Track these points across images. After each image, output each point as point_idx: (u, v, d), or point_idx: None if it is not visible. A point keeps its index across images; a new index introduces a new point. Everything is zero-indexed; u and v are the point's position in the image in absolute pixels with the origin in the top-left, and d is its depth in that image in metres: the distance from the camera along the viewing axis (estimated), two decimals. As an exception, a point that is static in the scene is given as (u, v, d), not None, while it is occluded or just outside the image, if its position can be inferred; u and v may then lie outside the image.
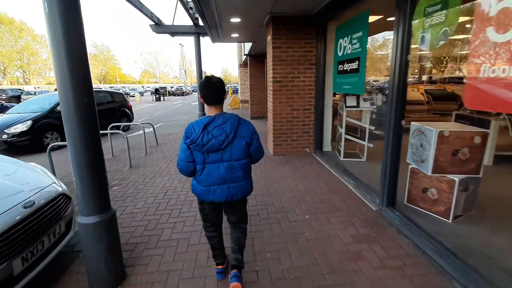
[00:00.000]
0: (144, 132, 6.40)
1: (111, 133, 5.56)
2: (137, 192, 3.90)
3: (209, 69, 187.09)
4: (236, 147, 1.78)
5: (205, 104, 1.85)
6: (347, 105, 4.43)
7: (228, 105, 17.01)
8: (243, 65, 15.42)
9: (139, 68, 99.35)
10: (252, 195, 3.59)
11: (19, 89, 29.43)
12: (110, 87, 54.27)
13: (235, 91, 40.76)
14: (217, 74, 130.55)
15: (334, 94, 5.33)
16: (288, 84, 5.23)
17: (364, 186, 3.57)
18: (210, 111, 1.84)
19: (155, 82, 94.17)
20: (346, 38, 3.91)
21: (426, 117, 6.66)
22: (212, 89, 1.78)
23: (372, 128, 4.55)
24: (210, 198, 1.81)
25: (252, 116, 11.90)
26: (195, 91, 55.45)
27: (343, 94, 4.62)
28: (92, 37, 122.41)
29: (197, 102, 26.40)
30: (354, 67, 3.67)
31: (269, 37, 5.32)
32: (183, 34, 8.70)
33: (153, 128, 7.27)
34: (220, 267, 2.10)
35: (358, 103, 4.38)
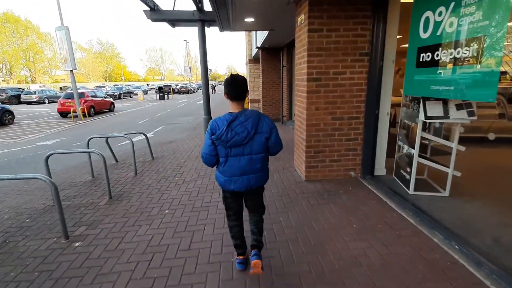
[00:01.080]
0: (133, 146, 4.94)
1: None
2: (106, 259, 2.45)
3: (214, 66, 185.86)
4: (256, 142, 1.91)
5: (228, 100, 1.95)
6: (428, 114, 2.90)
7: (236, 105, 15.53)
8: (252, 61, 13.88)
9: (145, 65, 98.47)
10: (294, 274, 2.12)
11: (19, 89, 28.43)
12: (114, 85, 53.40)
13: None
14: (222, 71, 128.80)
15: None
16: (329, 83, 3.70)
17: (485, 258, 2.06)
18: (233, 107, 1.95)
19: (161, 80, 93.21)
20: (444, 7, 2.37)
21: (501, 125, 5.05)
22: (236, 86, 1.91)
23: (462, 148, 3.01)
24: (231, 188, 1.99)
25: (264, 119, 10.38)
26: (200, 89, 54.17)
27: (418, 99, 3.08)
28: (98, 34, 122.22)
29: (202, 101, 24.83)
30: (468, 55, 2.14)
31: (301, 17, 3.79)
32: (185, 23, 7.21)
33: (147, 139, 5.80)
34: (241, 257, 2.21)
35: (446, 112, 2.85)
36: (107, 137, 5.05)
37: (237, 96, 1.90)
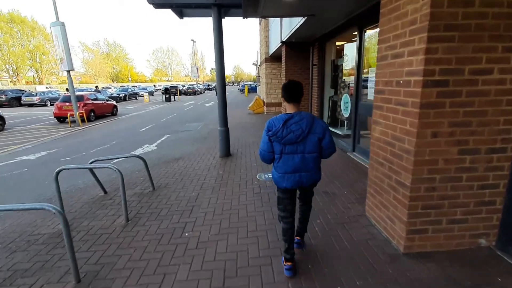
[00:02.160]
0: (123, 181, 3.36)
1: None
2: None
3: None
4: (309, 141, 2.02)
5: (284, 102, 2.16)
6: None
7: (249, 109, 13.93)
8: (269, 59, 12.28)
9: (151, 66, 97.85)
10: None
11: (20, 90, 27.39)
12: (120, 86, 52.44)
13: (252, 90, 37.70)
14: (228, 71, 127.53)
15: None
16: (462, 89, 2.07)
17: None
18: (289, 108, 2.13)
19: (167, 81, 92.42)
20: None
21: None
22: (293, 89, 2.10)
23: None
24: (284, 185, 2.12)
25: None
26: (208, 90, 52.81)
27: None
28: (106, 35, 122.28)
29: (211, 103, 23.66)
30: None
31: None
32: (195, 10, 5.65)
33: (145, 164, 4.22)
34: (289, 263, 2.20)
35: None
36: (86, 168, 3.49)
37: (293, 98, 2.10)
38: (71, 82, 12.42)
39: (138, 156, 4.09)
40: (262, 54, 13.36)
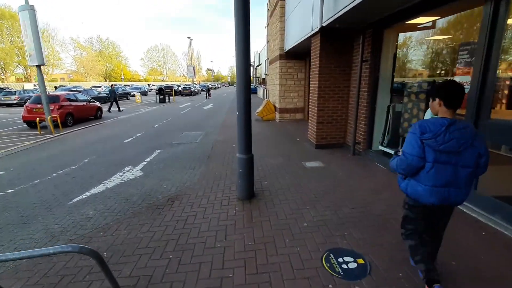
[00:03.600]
0: None
1: None
2: None
3: (217, 67, 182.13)
4: (468, 154, 1.78)
5: (440, 106, 1.85)
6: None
7: (257, 115, 11.81)
8: (285, 56, 10.18)
9: (146, 65, 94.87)
10: None
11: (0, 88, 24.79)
12: (112, 84, 49.84)
13: (253, 90, 35.55)
14: (225, 72, 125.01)
15: None
16: None
17: None
18: (443, 114, 1.85)
19: (162, 80, 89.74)
20: None
21: None
22: (457, 93, 1.80)
23: None
24: (430, 200, 1.86)
25: (317, 144, 6.65)
26: (204, 90, 50.29)
27: None
28: (100, 32, 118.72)
29: (210, 106, 21.21)
30: None
31: None
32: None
33: (102, 264, 2.07)
34: (438, 284, 1.90)
35: None
36: None
37: (455, 103, 1.82)
38: (41, 79, 10.14)
39: (86, 250, 1.93)
40: (275, 50, 11.25)
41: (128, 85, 46.91)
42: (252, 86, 36.21)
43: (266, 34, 33.87)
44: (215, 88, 63.90)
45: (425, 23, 4.56)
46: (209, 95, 31.84)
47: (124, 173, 5.43)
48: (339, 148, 6.63)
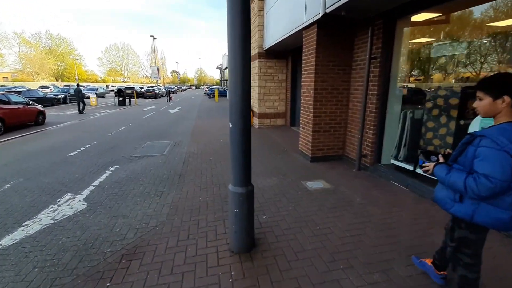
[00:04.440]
0: None
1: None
2: None
3: (183, 69, 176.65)
4: None
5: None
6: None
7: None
8: (264, 55, 9.09)
9: (104, 65, 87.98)
10: None
11: None
12: (65, 85, 44.88)
13: (221, 94, 33.92)
14: (191, 74, 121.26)
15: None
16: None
17: None
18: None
19: (123, 82, 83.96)
20: None
21: None
22: None
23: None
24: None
25: (313, 156, 5.59)
26: (171, 92, 47.25)
27: None
28: (50, 28, 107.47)
29: (177, 109, 18.95)
30: None
31: None
32: None
33: None
34: None
35: None
36: None
37: None
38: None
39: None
40: (252, 49, 10.10)
41: (83, 86, 42.57)
42: (221, 89, 34.84)
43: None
44: (181, 91, 61.11)
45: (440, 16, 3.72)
46: (170, 98, 28.25)
47: (59, 205, 3.84)
48: (337, 160, 5.64)
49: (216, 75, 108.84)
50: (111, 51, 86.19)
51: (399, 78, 4.51)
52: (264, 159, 5.99)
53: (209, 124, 11.43)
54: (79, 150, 7.11)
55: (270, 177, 4.80)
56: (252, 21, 9.87)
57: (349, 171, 4.99)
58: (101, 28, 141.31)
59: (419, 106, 4.26)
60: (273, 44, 8.00)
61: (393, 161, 4.60)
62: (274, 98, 9.54)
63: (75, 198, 4.10)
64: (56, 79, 71.50)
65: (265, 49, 8.96)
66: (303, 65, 5.73)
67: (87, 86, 47.49)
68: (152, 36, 35.98)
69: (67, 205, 3.87)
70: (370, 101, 4.70)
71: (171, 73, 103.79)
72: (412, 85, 4.56)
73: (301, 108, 5.92)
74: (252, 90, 10.20)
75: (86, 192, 4.31)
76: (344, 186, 4.25)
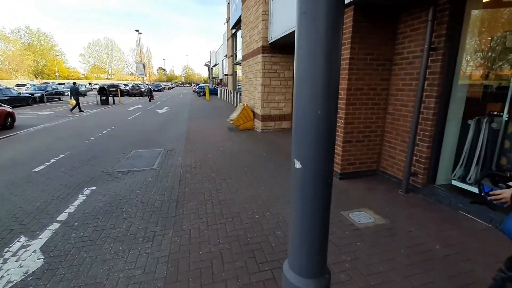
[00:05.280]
0: None
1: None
2: None
3: (170, 66, 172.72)
4: None
5: None
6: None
7: (231, 122, 9.35)
8: (269, 49, 7.95)
9: (87, 62, 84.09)
10: None
11: None
12: (44, 83, 42.14)
13: (213, 91, 32.49)
14: (178, 71, 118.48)
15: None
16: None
17: None
18: None
19: (107, 79, 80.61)
20: None
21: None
22: None
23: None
24: None
25: (343, 172, 4.50)
26: (157, 90, 45.37)
27: None
28: (30, 22, 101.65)
29: (166, 109, 16.77)
30: None
31: None
32: None
33: None
34: None
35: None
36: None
37: None
38: None
39: None
40: (253, 42, 8.91)
41: (63, 84, 40.15)
42: (210, 87, 33.41)
43: (225, 31, 31.33)
44: (168, 88, 59.04)
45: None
46: (152, 98, 24.72)
47: (5, 261, 2.59)
48: (371, 177, 4.58)
49: (204, 73, 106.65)
50: (94, 47, 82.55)
51: (467, 75, 3.47)
52: (279, 175, 4.87)
53: (205, 126, 10.19)
54: (47, 164, 5.76)
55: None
56: (254, 9, 8.69)
57: (395, 194, 3.93)
58: (83, 27, 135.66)
59: (496, 113, 3.24)
60: (281, 36, 6.85)
61: (457, 183, 3.58)
62: (279, 98, 8.42)
63: (29, 246, 2.86)
64: (36, 76, 67.80)
65: (270, 42, 7.80)
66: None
67: (68, 83, 44.91)
68: (137, 30, 33.96)
69: (16, 260, 2.63)
70: (426, 105, 3.64)
71: (157, 70, 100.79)
72: (487, 85, 3.53)
73: (325, 112, 4.82)
74: (253, 89, 9.05)
75: (46, 234, 3.07)
76: (403, 221, 3.18)
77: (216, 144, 7.33)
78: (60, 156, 6.33)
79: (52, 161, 5.99)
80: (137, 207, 3.72)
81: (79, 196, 4.14)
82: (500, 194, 1.34)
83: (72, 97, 15.42)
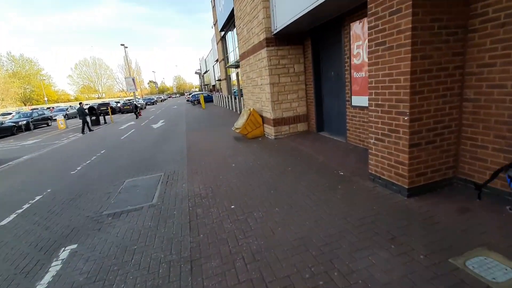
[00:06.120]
0: None
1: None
2: None
3: (160, 78, 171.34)
4: None
5: None
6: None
7: (237, 131, 8.13)
8: (274, 41, 6.79)
9: (76, 83, 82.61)
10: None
11: None
12: (32, 109, 40.76)
13: (208, 98, 31.22)
14: (169, 83, 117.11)
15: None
16: None
17: None
18: None
19: (98, 98, 79.13)
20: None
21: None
22: None
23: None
24: None
25: (411, 187, 3.28)
26: (150, 104, 44.05)
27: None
28: (13, 48, 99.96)
29: (161, 122, 15.01)
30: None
31: None
32: None
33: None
34: None
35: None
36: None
37: None
38: None
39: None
40: (253, 37, 7.73)
41: (51, 108, 38.76)
42: (205, 94, 32.18)
43: (213, 35, 30.14)
44: (161, 101, 57.78)
45: None
46: (139, 114, 21.71)
47: None
48: (448, 188, 3.38)
49: (195, 81, 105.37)
50: (81, 67, 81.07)
51: None
52: (321, 196, 3.64)
53: (207, 138, 8.96)
54: (19, 212, 4.51)
55: (368, 248, 2.46)
56: (248, 1, 7.51)
57: (507, 215, 2.72)
58: (67, 48, 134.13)
59: None
60: (290, 22, 5.67)
61: None
62: (291, 97, 7.21)
63: None
64: (24, 103, 66.35)
65: (274, 33, 6.60)
66: (373, 36, 3.43)
67: (57, 107, 43.44)
68: (122, 44, 32.68)
69: None
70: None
71: (148, 83, 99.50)
72: None
73: (373, 106, 3.63)
74: (259, 90, 7.84)
75: None
76: None
77: (225, 160, 6.10)
78: (37, 198, 5.08)
79: (25, 206, 4.74)
80: (134, 279, 2.49)
81: (53, 263, 2.91)
82: None
83: (79, 117, 15.25)
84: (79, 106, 15.90)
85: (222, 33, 21.95)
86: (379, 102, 3.50)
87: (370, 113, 3.73)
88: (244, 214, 3.48)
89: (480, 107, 3.07)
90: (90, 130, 15.16)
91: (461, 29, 3.06)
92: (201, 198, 4.19)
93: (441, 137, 3.28)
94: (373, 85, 3.57)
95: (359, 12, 4.92)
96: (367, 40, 4.83)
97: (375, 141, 3.70)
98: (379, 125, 3.57)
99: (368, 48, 3.56)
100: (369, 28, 3.49)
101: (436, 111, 3.18)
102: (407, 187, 3.28)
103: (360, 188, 3.81)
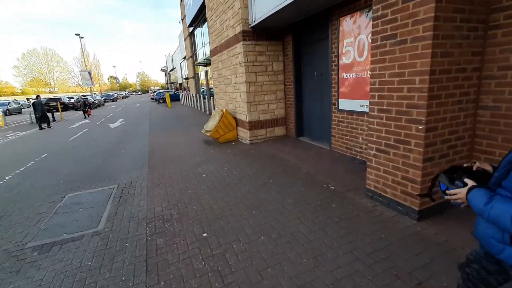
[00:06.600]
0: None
1: None
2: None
3: (122, 74, 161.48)
4: None
5: None
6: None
7: (208, 134, 7.25)
8: (251, 35, 6.09)
9: (23, 75, 73.91)
10: None
11: None
12: (37, 96, 35.23)
13: (174, 97, 29.40)
14: (132, 79, 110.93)
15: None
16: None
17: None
18: None
19: (50, 92, 71.67)
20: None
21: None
22: None
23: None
24: None
25: (422, 209, 2.76)
26: (109, 100, 40.56)
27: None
28: None
29: (120, 122, 13.58)
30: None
31: None
32: None
33: None
34: None
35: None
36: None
37: None
38: None
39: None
40: (227, 29, 6.92)
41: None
42: (171, 92, 30.48)
43: (181, 31, 28.54)
44: (122, 98, 53.99)
45: None
46: (88, 113, 18.48)
47: None
48: (457, 209, 2.91)
49: (161, 78, 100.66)
50: (30, 58, 72.84)
51: None
52: (315, 218, 2.99)
53: (172, 141, 7.95)
54: None
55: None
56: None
57: None
58: (15, 38, 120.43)
59: None
60: (272, 12, 4.99)
61: None
62: (269, 98, 6.55)
63: None
64: (-42, 96, 57.69)
65: (252, 25, 5.89)
66: (379, 28, 2.87)
67: (-2, 101, 38.12)
68: (78, 34, 29.64)
69: None
70: None
71: (108, 79, 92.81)
72: None
73: (374, 112, 3.07)
74: (233, 89, 7.06)
75: None
76: None
77: (195, 168, 5.23)
78: None
79: None
80: None
81: None
82: (455, 194, 1.19)
83: (35, 113, 14.02)
84: (36, 99, 14.42)
85: (191, 29, 20.74)
86: (384, 107, 2.95)
87: (370, 119, 3.18)
88: (221, 246, 2.70)
89: (500, 117, 2.64)
90: (49, 126, 14.01)
91: (482, 24, 2.60)
92: (163, 221, 3.31)
93: (454, 149, 2.81)
94: (376, 86, 3.01)
95: (351, 5, 4.40)
96: (359, 36, 4.35)
97: (376, 153, 3.15)
98: (383, 134, 3.02)
99: (372, 43, 2.99)
100: (374, 19, 2.93)
101: (451, 120, 2.70)
102: (417, 209, 2.76)
103: (358, 207, 3.23)
